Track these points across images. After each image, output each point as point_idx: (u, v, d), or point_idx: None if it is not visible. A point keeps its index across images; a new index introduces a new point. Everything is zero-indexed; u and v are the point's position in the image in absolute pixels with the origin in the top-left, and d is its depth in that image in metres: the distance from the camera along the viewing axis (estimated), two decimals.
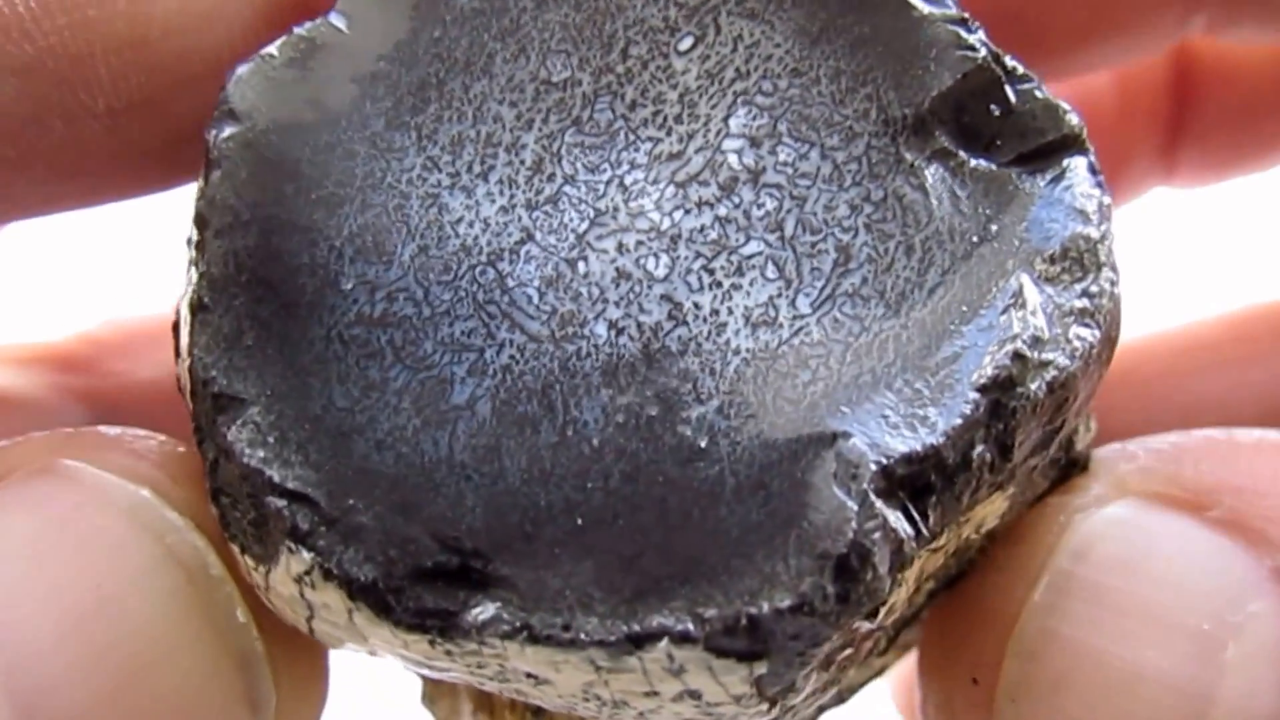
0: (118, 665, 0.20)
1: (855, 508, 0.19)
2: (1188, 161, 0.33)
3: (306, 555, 0.20)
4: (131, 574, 0.20)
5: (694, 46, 0.23)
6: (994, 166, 0.22)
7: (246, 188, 0.21)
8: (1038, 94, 0.22)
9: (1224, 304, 0.34)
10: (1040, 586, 0.22)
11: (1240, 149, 0.33)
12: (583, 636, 0.19)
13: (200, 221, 0.21)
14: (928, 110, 0.22)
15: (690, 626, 0.19)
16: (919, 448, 0.20)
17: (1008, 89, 0.22)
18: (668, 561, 0.19)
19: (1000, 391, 0.20)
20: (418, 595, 0.19)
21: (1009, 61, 0.22)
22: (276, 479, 0.20)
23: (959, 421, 0.20)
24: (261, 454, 0.20)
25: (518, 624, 0.19)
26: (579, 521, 0.20)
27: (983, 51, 0.22)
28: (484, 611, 0.19)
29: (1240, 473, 0.22)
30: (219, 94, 0.22)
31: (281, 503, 0.20)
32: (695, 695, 0.19)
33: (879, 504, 0.19)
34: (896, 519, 0.19)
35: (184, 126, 0.23)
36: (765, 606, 0.19)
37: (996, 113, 0.22)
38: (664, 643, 0.19)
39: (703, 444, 0.20)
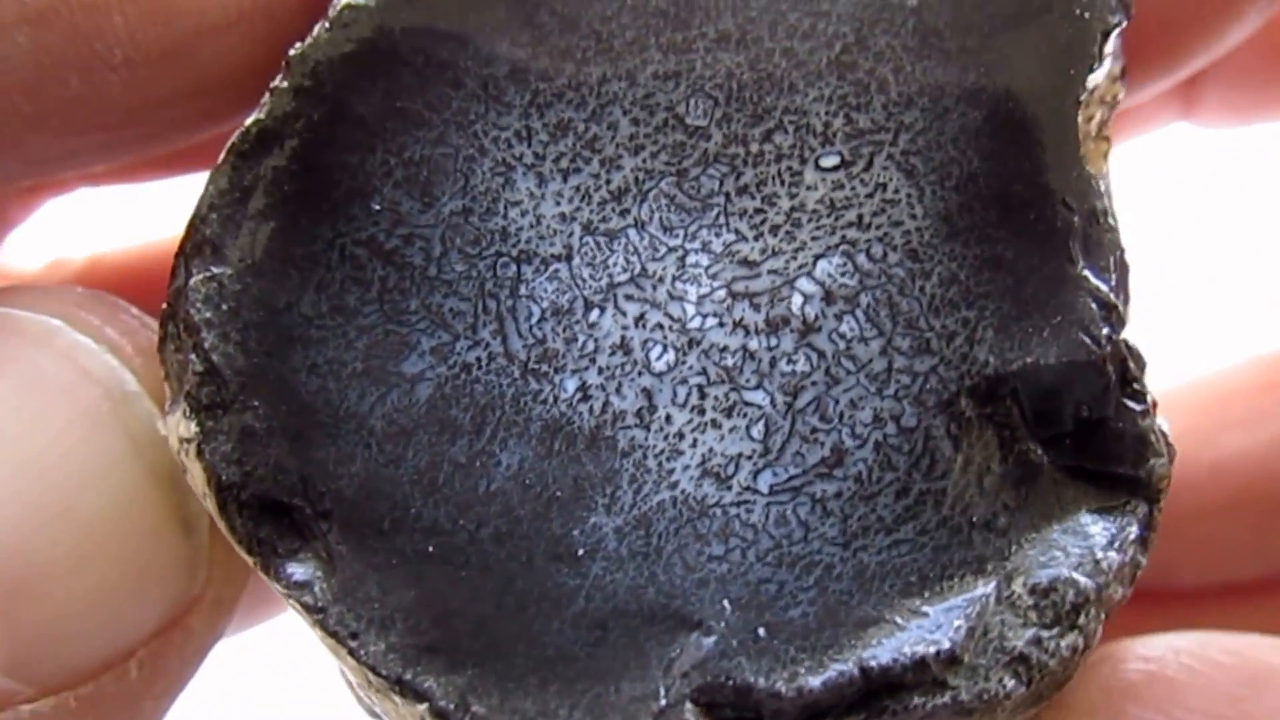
0: (40, 488, 0.20)
1: (663, 703, 0.18)
2: (1211, 96, 0.30)
3: (193, 425, 0.20)
4: (47, 397, 0.20)
5: (836, 169, 0.21)
6: (1045, 463, 0.20)
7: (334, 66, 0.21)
8: (1141, 420, 0.20)
9: (1251, 350, 0.32)
10: None
11: (1267, 89, 0.30)
12: (362, 654, 0.19)
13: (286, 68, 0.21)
14: (1014, 373, 0.20)
15: (452, 706, 0.18)
16: (758, 686, 0.19)
17: (1112, 399, 0.20)
18: (479, 635, 0.19)
19: (883, 685, 0.19)
20: (256, 518, 0.19)
21: (1132, 369, 0.20)
22: (206, 344, 0.20)
23: (816, 685, 0.19)
24: (208, 315, 0.20)
25: (319, 604, 0.19)
26: (430, 549, 0.19)
27: (1107, 349, 0.20)
28: (300, 571, 0.19)
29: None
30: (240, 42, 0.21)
31: (200, 366, 0.20)
32: None
33: (689, 713, 0.18)
34: None
35: (206, 77, 0.22)
36: None
37: (1084, 413, 0.20)
38: (423, 707, 0.19)
39: (579, 553, 0.19)
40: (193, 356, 0.20)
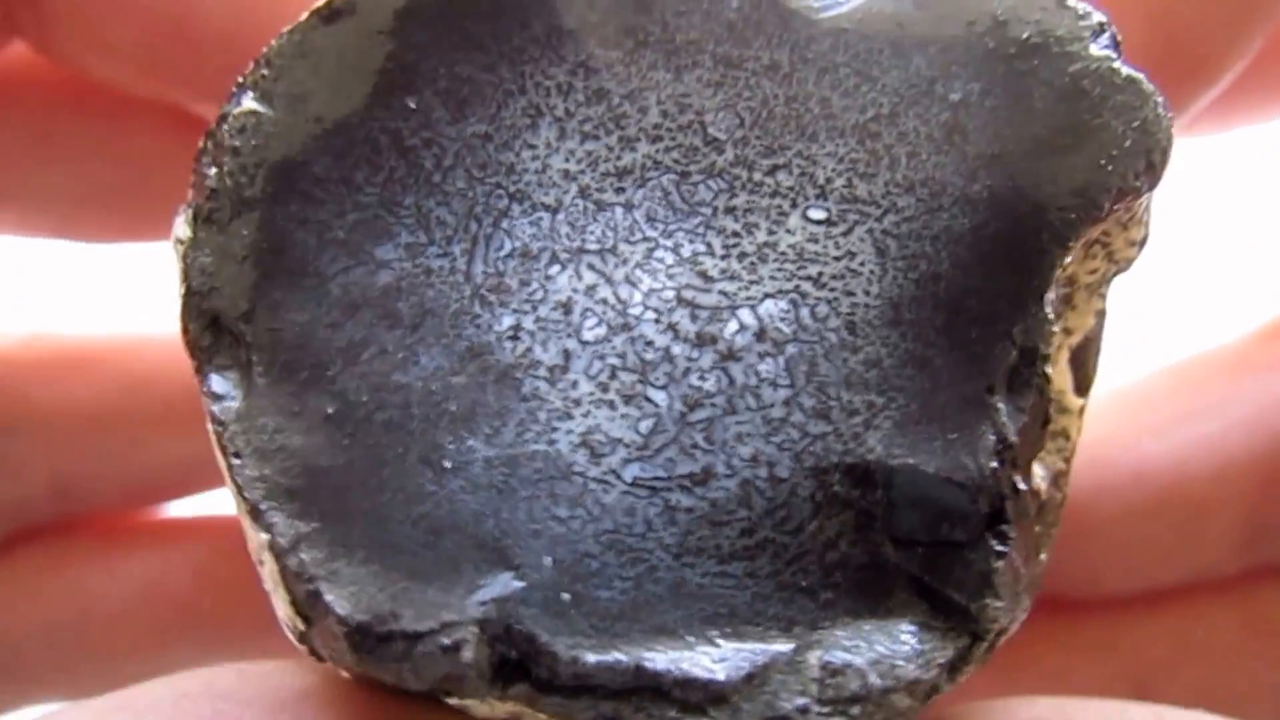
0: None
1: (453, 618, 0.20)
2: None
3: (188, 230, 0.22)
4: None
5: (818, 223, 0.22)
6: (890, 561, 0.21)
7: None
8: (993, 561, 0.21)
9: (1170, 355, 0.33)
10: None
11: (1248, 93, 0.30)
12: (237, 475, 0.21)
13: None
14: (894, 469, 0.21)
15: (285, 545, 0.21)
16: (540, 640, 0.20)
17: (974, 530, 0.21)
18: (335, 499, 0.21)
19: (651, 687, 0.20)
20: (206, 326, 0.22)
21: (1008, 512, 0.21)
22: (226, 166, 0.22)
23: (592, 662, 0.20)
24: (238, 144, 0.22)
25: (221, 418, 0.21)
26: (329, 411, 0.21)
27: (988, 481, 0.21)
28: (220, 385, 0.21)
29: None
30: None
31: (214, 183, 0.22)
32: None
33: (469, 635, 0.20)
34: None
35: None
36: None
37: (944, 533, 0.21)
38: (265, 538, 0.21)
39: (447, 465, 0.21)
40: (212, 171, 0.22)
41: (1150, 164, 0.21)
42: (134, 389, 0.34)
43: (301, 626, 0.21)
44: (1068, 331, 0.24)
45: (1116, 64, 0.22)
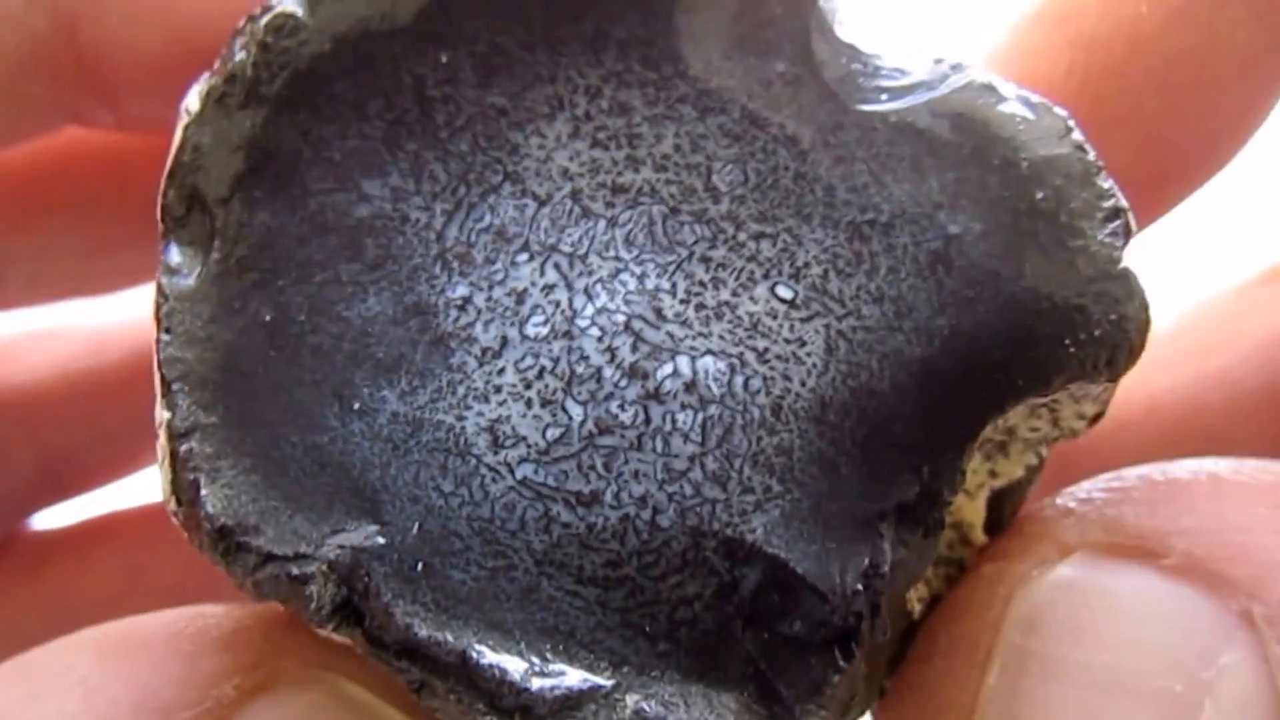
0: None
1: (310, 550, 0.21)
2: None
3: (197, 105, 0.22)
4: None
5: (782, 302, 0.22)
6: (736, 636, 0.21)
7: None
8: (828, 674, 0.21)
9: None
10: (994, 669, 0.21)
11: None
12: (163, 349, 0.22)
13: None
14: (766, 555, 0.21)
15: (182, 426, 0.21)
16: (372, 593, 0.21)
17: (819, 638, 0.21)
18: (241, 401, 0.22)
19: (460, 673, 0.21)
20: (182, 196, 0.22)
21: (862, 635, 0.21)
22: (253, 59, 0.22)
23: (419, 632, 0.21)
24: (269, 40, 0.22)
25: (167, 293, 0.22)
26: (268, 318, 0.22)
27: (842, 602, 0.21)
28: (177, 257, 0.22)
29: (1187, 512, 0.21)
30: None
31: (237, 69, 0.22)
32: None
33: (319, 569, 0.21)
34: None
35: None
36: None
37: (793, 629, 0.21)
38: (167, 415, 0.22)
39: (355, 406, 0.22)
40: (239, 57, 0.22)
41: (1114, 360, 0.21)
42: (95, 353, 0.34)
43: (174, 506, 0.21)
44: (994, 474, 0.24)
45: (1118, 253, 0.22)
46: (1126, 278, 0.22)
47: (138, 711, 0.21)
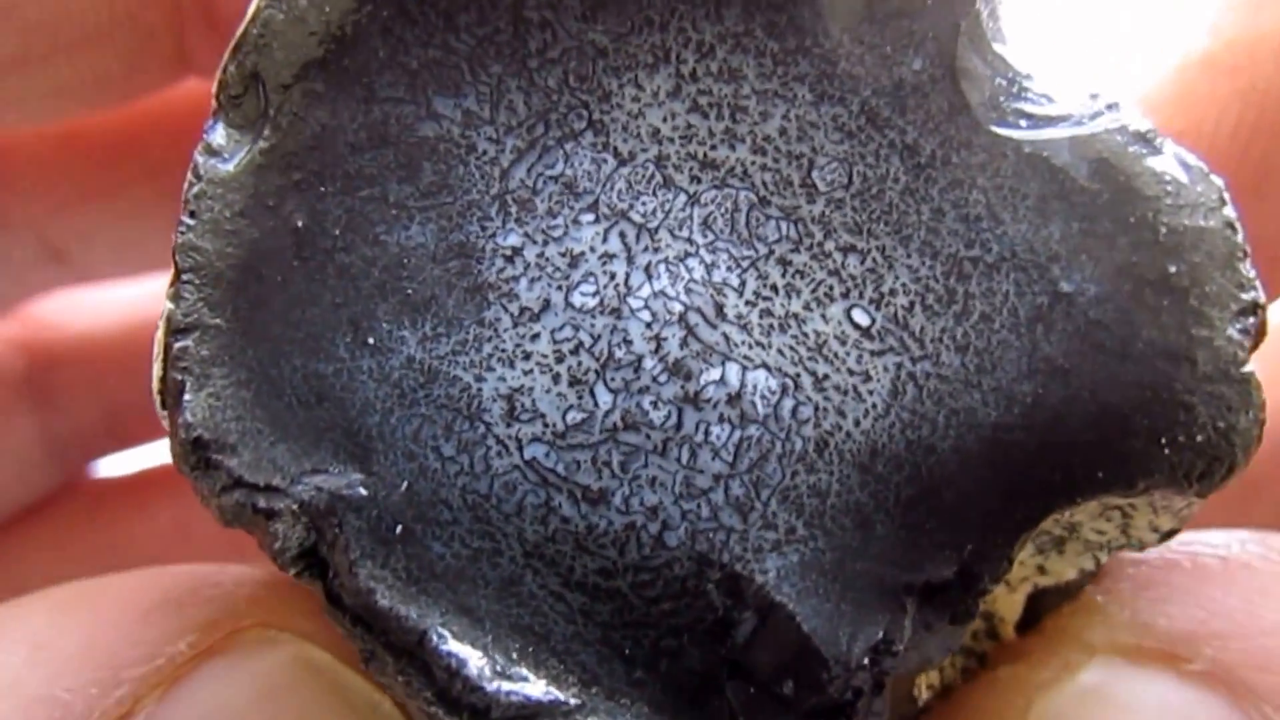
0: None
1: (285, 483, 0.19)
2: None
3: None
4: (282, 698, 0.21)
5: (856, 328, 0.20)
6: (723, 683, 0.19)
7: None
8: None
9: None
10: None
11: None
12: (184, 257, 0.20)
13: None
14: (771, 605, 0.19)
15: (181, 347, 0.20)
16: (345, 548, 0.19)
17: (812, 707, 0.19)
18: (258, 321, 0.20)
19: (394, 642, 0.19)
20: (237, 90, 0.20)
21: (857, 713, 0.19)
22: (256, 32, 0.20)
23: (376, 596, 0.19)
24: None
25: (201, 173, 0.20)
26: (299, 224, 0.20)
27: (841, 680, 0.19)
28: (219, 138, 0.20)
29: (1215, 611, 0.20)
30: None
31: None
32: None
33: (288, 510, 0.19)
34: None
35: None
36: None
37: (784, 689, 0.19)
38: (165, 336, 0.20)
39: (369, 341, 0.20)
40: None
41: (1209, 473, 0.19)
42: (150, 310, 0.33)
43: (159, 408, 0.20)
44: (1042, 570, 0.21)
45: (1243, 354, 0.19)
46: (1246, 384, 0.19)
47: (86, 666, 0.20)
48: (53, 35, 0.25)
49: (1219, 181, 0.19)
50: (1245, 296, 0.19)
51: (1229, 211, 0.19)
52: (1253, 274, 0.19)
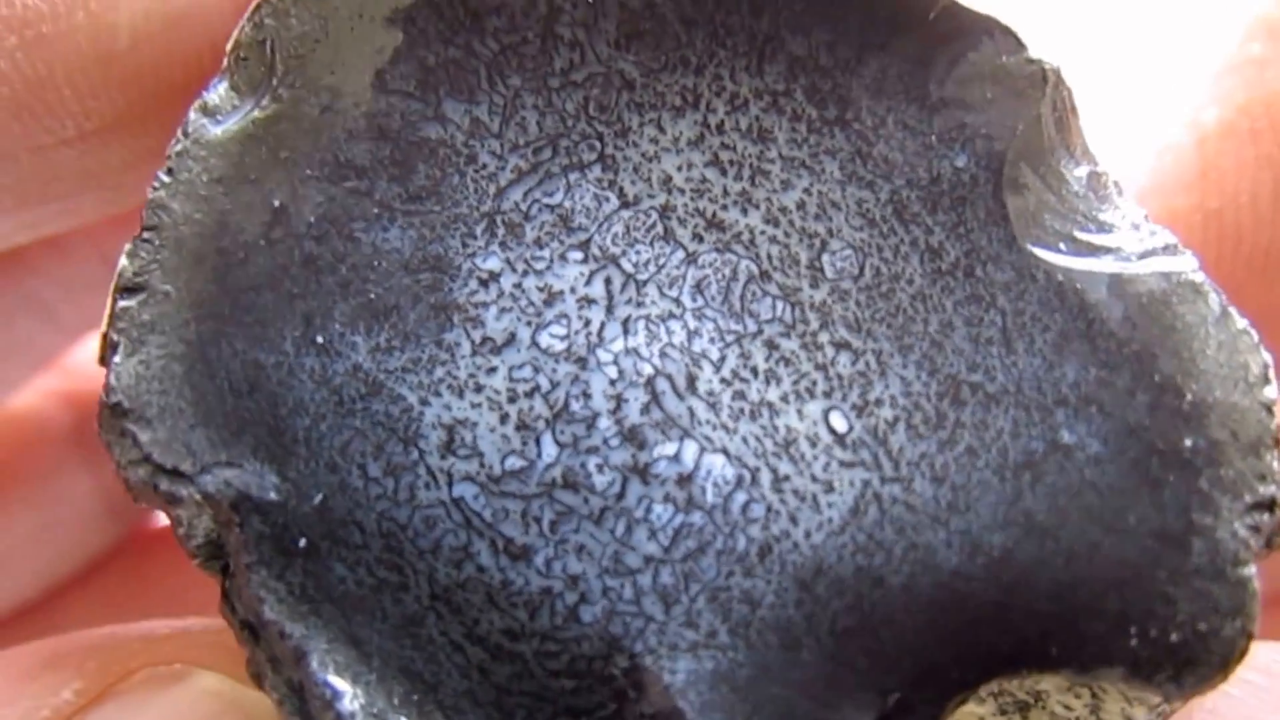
0: None
1: (199, 471, 0.18)
2: None
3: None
4: None
5: (831, 434, 0.18)
6: None
7: None
8: None
9: None
10: None
11: None
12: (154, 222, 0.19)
13: None
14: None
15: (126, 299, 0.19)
16: (282, 531, 0.18)
17: None
18: (214, 289, 0.19)
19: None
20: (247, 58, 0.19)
21: None
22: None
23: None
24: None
25: (178, 149, 0.19)
26: (274, 202, 0.19)
27: None
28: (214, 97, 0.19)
29: None
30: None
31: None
32: None
33: (227, 501, 0.18)
34: None
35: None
36: None
37: None
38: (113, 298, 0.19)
39: (318, 340, 0.19)
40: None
41: (1178, 678, 0.17)
42: None
43: (99, 356, 0.19)
44: None
45: (1246, 555, 0.17)
46: (1242, 588, 0.17)
47: None
48: None
49: (1266, 357, 0.17)
50: (1263, 491, 0.17)
51: (1271, 392, 0.17)
52: (1278, 466, 0.17)
